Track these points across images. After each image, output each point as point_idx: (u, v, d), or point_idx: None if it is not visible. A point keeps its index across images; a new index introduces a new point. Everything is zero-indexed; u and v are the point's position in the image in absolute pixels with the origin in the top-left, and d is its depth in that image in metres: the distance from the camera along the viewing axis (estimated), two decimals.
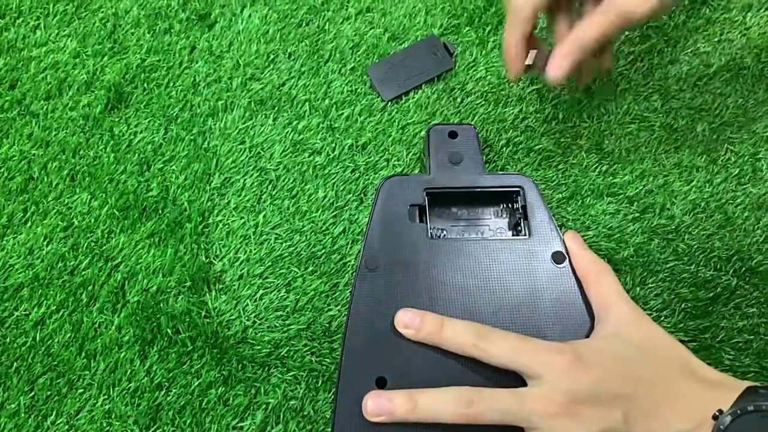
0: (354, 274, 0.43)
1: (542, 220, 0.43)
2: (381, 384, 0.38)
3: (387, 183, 0.44)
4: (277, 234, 0.45)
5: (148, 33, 0.52)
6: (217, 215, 0.46)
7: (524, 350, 0.36)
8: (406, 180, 0.45)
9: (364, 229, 0.44)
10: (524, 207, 0.44)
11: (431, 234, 0.43)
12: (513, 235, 0.44)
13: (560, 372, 0.34)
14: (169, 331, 0.42)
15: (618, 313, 0.38)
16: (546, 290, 0.40)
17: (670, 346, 0.36)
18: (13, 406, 0.40)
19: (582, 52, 0.40)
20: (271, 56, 0.52)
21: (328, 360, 0.42)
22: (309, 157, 0.48)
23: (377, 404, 0.36)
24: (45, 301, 0.43)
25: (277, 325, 0.43)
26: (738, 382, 0.34)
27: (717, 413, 0.31)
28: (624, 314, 0.38)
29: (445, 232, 0.44)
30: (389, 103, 0.50)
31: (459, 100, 0.50)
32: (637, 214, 0.46)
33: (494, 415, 0.34)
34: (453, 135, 0.46)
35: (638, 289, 0.44)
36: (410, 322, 0.38)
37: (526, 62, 0.42)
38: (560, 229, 0.43)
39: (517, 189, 0.44)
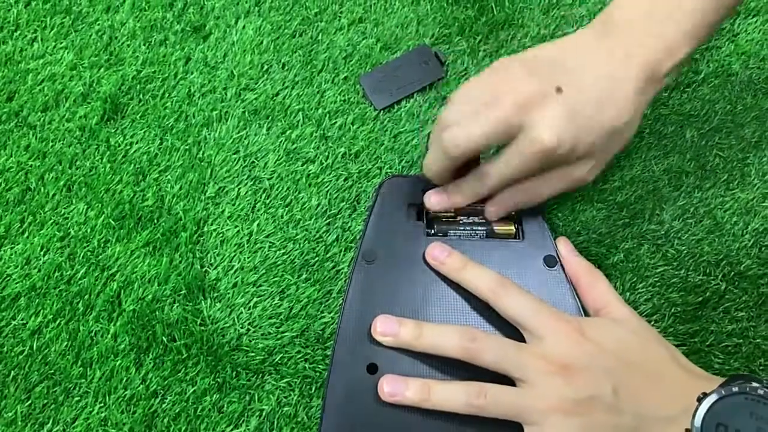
0: (349, 267, 0.44)
1: (535, 224, 0.44)
2: (372, 370, 0.39)
3: (387, 182, 0.45)
4: (270, 242, 0.46)
5: (144, 45, 0.53)
6: (212, 224, 0.47)
7: (539, 311, 0.38)
8: (406, 180, 0.46)
9: (361, 229, 0.45)
10: (519, 211, 0.44)
11: (428, 232, 0.44)
12: (507, 237, 0.44)
13: (561, 337, 0.36)
14: (164, 339, 0.42)
15: (615, 312, 0.40)
16: (537, 292, 0.40)
17: (664, 344, 0.38)
18: (10, 414, 0.41)
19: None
20: (265, 67, 0.52)
21: (321, 367, 0.42)
22: (302, 165, 0.49)
23: (386, 325, 0.39)
24: (42, 311, 0.43)
25: (271, 332, 0.43)
26: (725, 380, 0.35)
27: (701, 395, 0.31)
28: (621, 313, 0.39)
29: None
30: (382, 112, 0.51)
31: None
32: (626, 220, 0.47)
33: (493, 357, 0.36)
34: None
35: (628, 294, 0.44)
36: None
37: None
38: (551, 235, 0.44)
39: None
